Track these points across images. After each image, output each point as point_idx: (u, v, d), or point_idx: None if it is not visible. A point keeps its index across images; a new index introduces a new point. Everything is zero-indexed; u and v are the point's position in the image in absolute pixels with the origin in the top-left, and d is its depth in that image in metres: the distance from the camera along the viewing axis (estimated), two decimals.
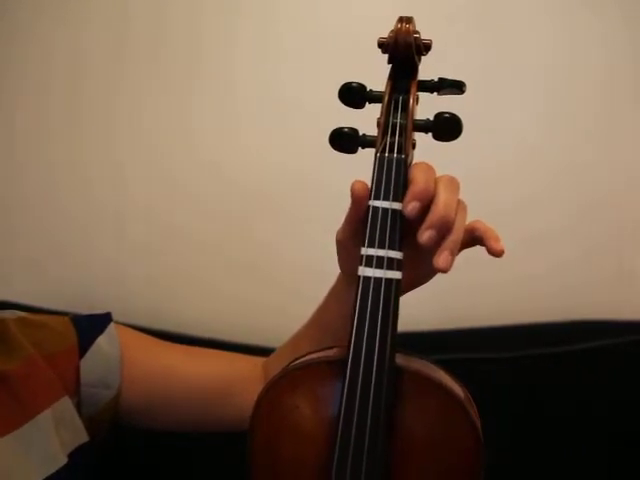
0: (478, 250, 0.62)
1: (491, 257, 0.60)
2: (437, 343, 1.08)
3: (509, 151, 1.17)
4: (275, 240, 1.19)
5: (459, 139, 0.61)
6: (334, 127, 0.62)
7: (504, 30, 1.15)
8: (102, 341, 0.76)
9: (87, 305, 1.14)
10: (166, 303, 1.21)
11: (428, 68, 0.64)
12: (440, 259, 0.56)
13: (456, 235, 0.57)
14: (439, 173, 0.60)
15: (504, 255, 0.58)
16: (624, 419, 1.05)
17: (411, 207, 0.56)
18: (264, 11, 1.16)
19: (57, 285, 1.22)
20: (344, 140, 0.62)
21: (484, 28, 1.15)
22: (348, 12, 1.15)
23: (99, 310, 0.80)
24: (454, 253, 0.57)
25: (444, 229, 0.56)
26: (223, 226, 1.20)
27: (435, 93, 0.63)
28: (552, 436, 1.04)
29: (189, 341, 0.85)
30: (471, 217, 0.61)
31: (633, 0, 1.15)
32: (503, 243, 0.59)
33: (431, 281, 0.67)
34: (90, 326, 0.77)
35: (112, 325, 0.78)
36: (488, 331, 1.12)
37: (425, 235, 0.56)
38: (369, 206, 0.59)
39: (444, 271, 0.56)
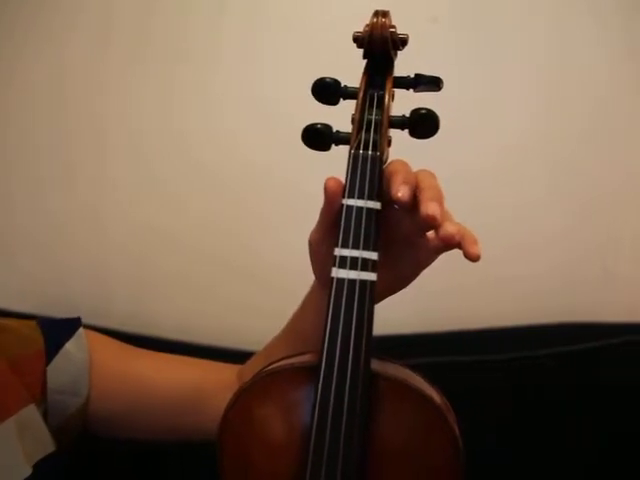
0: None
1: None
2: (422, 346, 1.08)
3: (497, 155, 1.16)
4: (259, 240, 1.18)
5: (456, 140, 0.60)
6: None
7: (498, 29, 1.15)
8: (70, 346, 0.73)
9: (65, 306, 1.14)
10: (147, 305, 1.20)
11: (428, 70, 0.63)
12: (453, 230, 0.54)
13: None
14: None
15: (493, 258, 0.56)
16: (611, 420, 1.05)
17: (402, 191, 0.54)
18: (247, 11, 1.15)
19: (34, 285, 1.20)
20: (317, 137, 0.60)
21: (479, 27, 1.14)
22: (325, 6, 1.14)
23: (77, 311, 0.78)
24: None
25: (442, 201, 0.55)
26: (206, 227, 1.19)
27: (412, 90, 0.61)
28: (539, 438, 1.04)
29: (168, 344, 0.83)
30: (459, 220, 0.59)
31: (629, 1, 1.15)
32: (480, 247, 0.56)
33: (416, 284, 0.65)
34: (58, 331, 0.74)
35: (81, 330, 0.76)
36: (473, 334, 1.12)
37: (430, 207, 0.54)
38: (343, 205, 0.57)
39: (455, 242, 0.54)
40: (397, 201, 0.55)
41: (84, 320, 0.79)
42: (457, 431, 0.57)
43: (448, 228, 0.54)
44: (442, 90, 0.61)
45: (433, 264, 0.63)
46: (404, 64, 0.63)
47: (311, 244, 0.63)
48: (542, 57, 1.16)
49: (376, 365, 0.58)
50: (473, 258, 0.55)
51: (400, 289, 0.65)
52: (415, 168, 0.58)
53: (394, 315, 0.66)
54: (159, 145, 1.18)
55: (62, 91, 1.19)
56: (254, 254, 1.18)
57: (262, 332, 0.80)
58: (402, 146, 0.62)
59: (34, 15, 1.18)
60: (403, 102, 0.62)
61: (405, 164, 0.58)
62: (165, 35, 1.17)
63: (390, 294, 0.65)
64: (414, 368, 0.62)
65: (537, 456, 1.04)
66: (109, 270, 1.20)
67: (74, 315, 0.78)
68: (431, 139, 0.63)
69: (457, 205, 0.60)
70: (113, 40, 1.17)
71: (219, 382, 0.77)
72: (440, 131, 0.61)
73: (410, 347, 1.03)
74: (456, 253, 0.61)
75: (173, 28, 1.16)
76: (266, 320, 0.79)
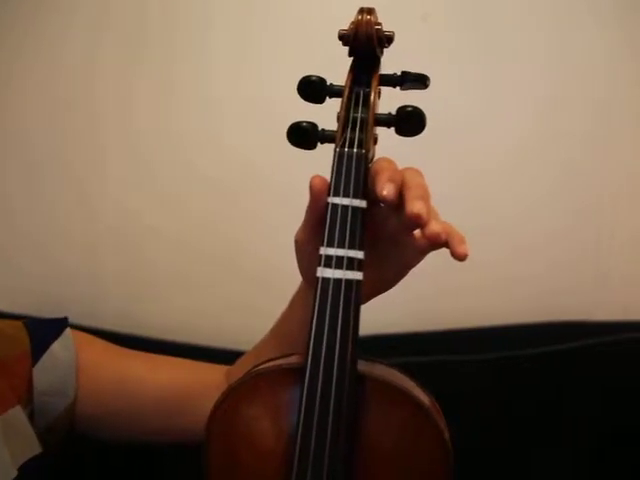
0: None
1: (471, 260, 0.56)
2: (417, 345, 1.07)
3: (495, 155, 1.15)
4: (257, 240, 1.17)
5: (453, 140, 0.59)
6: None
7: (496, 28, 1.14)
8: (57, 347, 0.73)
9: (57, 306, 1.12)
10: (143, 305, 1.19)
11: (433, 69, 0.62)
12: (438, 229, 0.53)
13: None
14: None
15: (492, 258, 0.55)
16: (602, 419, 1.04)
17: (388, 189, 0.54)
18: (242, 11, 1.15)
19: (28, 284, 1.20)
20: (301, 135, 0.60)
21: (477, 26, 1.13)
22: (324, 6, 1.13)
23: (69, 311, 0.78)
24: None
25: (428, 200, 0.54)
26: (203, 226, 1.18)
27: (398, 87, 0.61)
28: (533, 438, 1.03)
29: (164, 345, 0.82)
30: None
31: (629, 0, 1.14)
32: (468, 246, 0.55)
33: (411, 283, 0.64)
34: (44, 331, 0.73)
35: (68, 330, 0.75)
36: (468, 333, 1.11)
37: (416, 205, 0.53)
38: (328, 203, 0.56)
39: (441, 241, 0.54)
40: (382, 199, 0.54)
41: (78, 320, 0.78)
42: (446, 433, 0.57)
43: (434, 227, 0.53)
44: (439, 90, 0.61)
45: (427, 263, 0.62)
46: (396, 63, 0.63)
47: (297, 243, 0.63)
48: (542, 57, 1.15)
49: (363, 366, 0.57)
50: (460, 257, 0.54)
51: (387, 289, 0.64)
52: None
53: (383, 315, 0.66)
54: (156, 145, 1.18)
55: (59, 91, 1.18)
56: (251, 254, 1.18)
57: (259, 333, 0.80)
58: (403, 147, 0.61)
59: (32, 15, 1.17)
60: (396, 102, 0.62)
61: (391, 162, 0.57)
62: (162, 35, 1.16)
63: (377, 294, 0.64)
64: (402, 369, 0.61)
65: (530, 456, 1.04)
66: (104, 270, 1.20)
67: (67, 315, 0.78)
68: (430, 140, 0.62)
69: (456, 205, 0.59)
70: (110, 40, 1.17)
71: (207, 383, 0.77)
72: (436, 131, 0.60)
73: (406, 346, 1.03)
74: (448, 252, 0.60)
75: (169, 28, 1.16)
76: (264, 321, 0.79)
